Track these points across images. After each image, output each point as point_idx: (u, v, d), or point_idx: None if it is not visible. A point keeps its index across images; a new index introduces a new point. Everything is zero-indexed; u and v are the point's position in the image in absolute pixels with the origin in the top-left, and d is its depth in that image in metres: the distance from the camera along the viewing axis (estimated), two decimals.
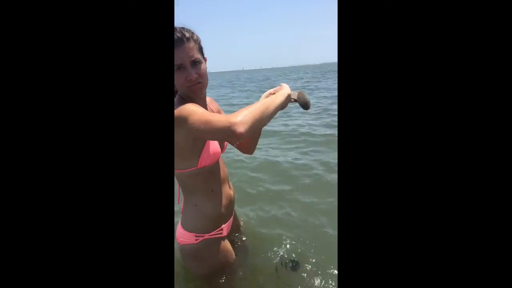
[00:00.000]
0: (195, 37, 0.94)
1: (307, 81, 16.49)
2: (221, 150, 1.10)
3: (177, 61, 0.91)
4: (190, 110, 0.86)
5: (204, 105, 1.04)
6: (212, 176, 1.07)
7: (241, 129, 0.75)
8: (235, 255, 1.19)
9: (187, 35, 0.92)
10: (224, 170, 1.16)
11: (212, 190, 1.08)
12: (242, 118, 0.77)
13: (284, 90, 0.99)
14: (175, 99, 0.99)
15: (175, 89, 1.01)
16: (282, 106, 0.95)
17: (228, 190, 1.16)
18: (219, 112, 1.21)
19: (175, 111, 0.88)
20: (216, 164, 1.09)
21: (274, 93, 1.02)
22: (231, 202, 1.18)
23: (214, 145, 1.02)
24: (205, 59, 0.99)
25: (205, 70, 0.96)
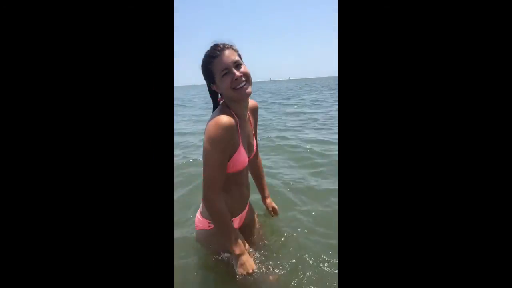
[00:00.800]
0: (234, 47, 1.11)
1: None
2: (249, 157, 1.25)
3: (221, 67, 1.06)
4: (210, 149, 1.04)
5: (245, 110, 1.18)
6: (233, 179, 1.21)
7: (204, 200, 1.09)
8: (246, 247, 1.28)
9: (226, 45, 1.09)
10: (246, 174, 1.29)
11: (231, 189, 1.22)
12: (207, 201, 1.08)
13: (235, 251, 1.10)
14: (219, 107, 1.14)
15: (219, 98, 1.18)
16: (223, 240, 1.12)
17: (244, 191, 1.30)
18: (255, 118, 1.36)
19: (211, 127, 1.04)
20: (240, 171, 1.21)
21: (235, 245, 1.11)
22: (243, 201, 1.32)
23: (242, 158, 1.15)
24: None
25: (248, 71, 1.10)
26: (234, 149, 1.11)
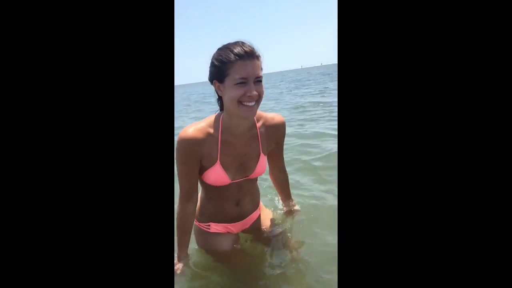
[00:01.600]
0: (260, 58, 0.98)
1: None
2: (242, 178, 1.14)
3: (242, 74, 0.92)
4: (175, 158, 1.03)
5: (241, 128, 1.08)
6: (214, 191, 1.16)
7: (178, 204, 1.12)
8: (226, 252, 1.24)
9: (257, 53, 0.95)
10: (234, 191, 1.17)
11: (211, 198, 1.19)
12: (178, 204, 1.12)
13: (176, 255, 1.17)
14: (210, 117, 1.08)
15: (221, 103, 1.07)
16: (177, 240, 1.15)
17: (228, 206, 1.19)
18: (275, 136, 1.20)
19: (178, 136, 1.02)
20: (223, 187, 1.13)
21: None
22: (226, 215, 1.22)
23: (216, 175, 1.08)
24: None
25: (263, 91, 0.98)
26: (208, 164, 1.06)
